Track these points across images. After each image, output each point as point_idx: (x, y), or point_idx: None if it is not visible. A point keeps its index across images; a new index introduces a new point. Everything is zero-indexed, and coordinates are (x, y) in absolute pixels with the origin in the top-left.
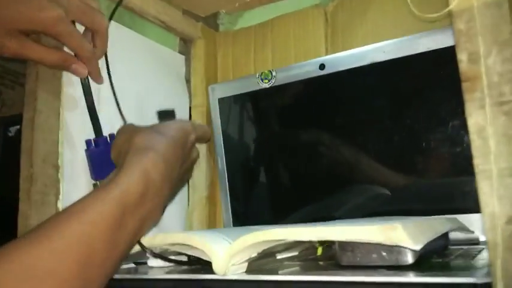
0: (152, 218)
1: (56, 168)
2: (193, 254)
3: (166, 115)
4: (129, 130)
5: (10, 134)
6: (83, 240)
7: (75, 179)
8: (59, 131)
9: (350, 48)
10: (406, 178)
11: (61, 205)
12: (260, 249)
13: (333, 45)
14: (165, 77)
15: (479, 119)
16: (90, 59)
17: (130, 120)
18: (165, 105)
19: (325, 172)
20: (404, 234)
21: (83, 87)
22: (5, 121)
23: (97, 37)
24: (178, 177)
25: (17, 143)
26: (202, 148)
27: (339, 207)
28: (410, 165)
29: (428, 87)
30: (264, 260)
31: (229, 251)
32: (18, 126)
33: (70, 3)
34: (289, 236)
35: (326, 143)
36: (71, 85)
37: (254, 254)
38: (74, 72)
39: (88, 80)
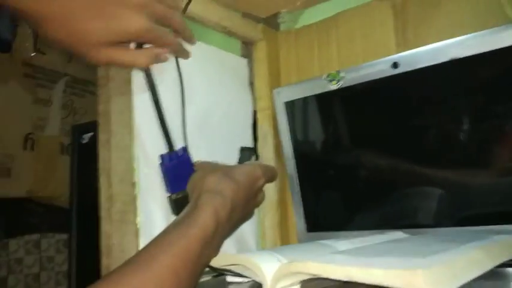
0: (216, 251)
1: (133, 185)
2: (249, 275)
3: (247, 150)
4: (205, 169)
5: (84, 141)
6: (173, 271)
7: (151, 194)
8: (133, 148)
9: (424, 43)
10: (491, 182)
11: (139, 221)
12: (306, 277)
13: (404, 41)
14: (229, 82)
15: None
16: (180, 51)
17: (195, 126)
18: (230, 111)
19: (397, 176)
20: (426, 281)
21: (153, 103)
22: (78, 129)
23: (180, 34)
24: (240, 217)
25: (90, 150)
26: (269, 152)
27: (413, 212)
28: (498, 169)
29: None
30: (318, 281)
31: (276, 274)
32: (91, 134)
33: (153, 10)
34: (320, 272)
35: (399, 146)
36: (142, 101)
37: (304, 278)
38: (165, 60)
39: (158, 96)
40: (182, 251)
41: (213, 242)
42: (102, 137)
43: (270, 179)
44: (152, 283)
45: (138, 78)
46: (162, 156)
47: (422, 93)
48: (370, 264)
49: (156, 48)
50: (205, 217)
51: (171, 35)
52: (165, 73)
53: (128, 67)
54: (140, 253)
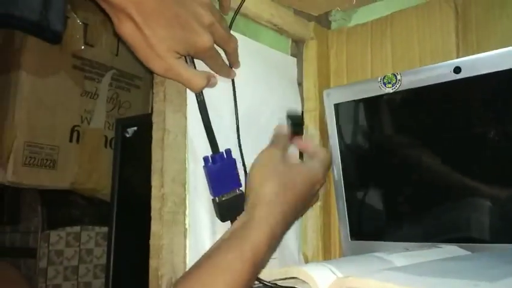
0: (264, 266)
1: (184, 186)
2: None
3: (296, 120)
4: (265, 169)
5: (127, 135)
6: None
7: (199, 195)
8: (186, 149)
9: (486, 47)
10: None
11: (188, 222)
12: None
13: (465, 44)
14: (277, 81)
15: None
16: (228, 76)
17: (244, 125)
18: (278, 111)
19: (450, 185)
20: None
21: (198, 104)
22: (123, 123)
23: (230, 56)
24: (292, 222)
25: (134, 144)
26: None
27: (466, 225)
28: None
29: None
30: None
31: (331, 287)
32: (135, 128)
33: (216, 30)
34: None
35: (455, 154)
36: (194, 103)
37: None
38: (214, 85)
39: (203, 97)
40: (237, 276)
41: (265, 260)
42: (156, 136)
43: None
44: None
45: None
46: (205, 159)
47: (484, 101)
48: (434, 286)
49: (211, 74)
50: (260, 238)
51: (226, 66)
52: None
53: (183, 83)
54: (193, 276)
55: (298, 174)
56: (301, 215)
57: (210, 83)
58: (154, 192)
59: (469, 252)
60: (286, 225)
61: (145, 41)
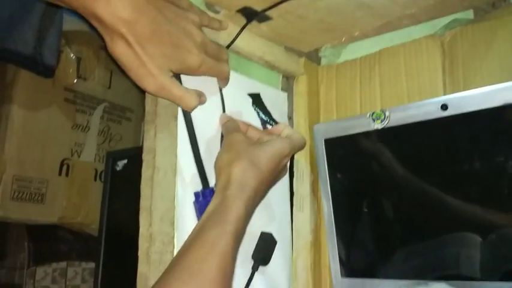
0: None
1: (173, 225)
2: None
3: (266, 239)
4: (232, 149)
5: (118, 168)
6: (222, 271)
7: (187, 232)
8: (175, 186)
9: (473, 85)
10: None
11: None
12: None
13: (451, 81)
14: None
15: None
16: (226, 75)
17: None
18: None
19: (438, 221)
20: None
21: (186, 124)
22: (113, 156)
23: (220, 82)
24: (263, 196)
25: (124, 177)
26: (305, 189)
27: (455, 261)
28: None
29: None
30: None
31: None
32: (125, 161)
33: (207, 47)
34: None
35: (442, 189)
36: (185, 138)
37: None
38: (204, 103)
39: (194, 133)
40: (225, 249)
41: (243, 233)
42: (145, 174)
43: (298, 150)
44: (206, 286)
45: (181, 116)
46: (196, 194)
47: (471, 138)
48: None
49: (202, 93)
50: (238, 213)
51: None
52: (207, 105)
53: (175, 102)
54: (186, 256)
55: (262, 151)
56: (271, 187)
57: (200, 100)
58: (142, 231)
59: None
60: (258, 199)
61: (138, 59)
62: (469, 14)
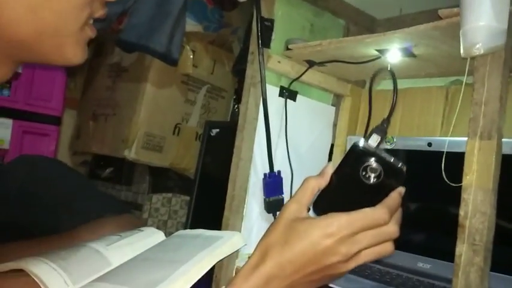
0: None
1: (245, 191)
2: None
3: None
4: (271, 247)
5: (212, 134)
6: None
7: (254, 196)
8: (250, 169)
9: (460, 129)
10: None
11: (244, 212)
12: None
13: (447, 124)
14: (318, 123)
15: None
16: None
17: (291, 152)
18: (315, 144)
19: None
20: None
21: (266, 140)
22: (210, 124)
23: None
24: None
25: (215, 141)
26: None
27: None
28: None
29: None
30: None
31: None
32: (218, 129)
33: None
34: None
35: (421, 202)
36: (260, 133)
37: None
38: None
39: (270, 133)
40: None
41: None
42: (233, 162)
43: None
44: None
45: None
46: (265, 174)
47: (444, 173)
48: None
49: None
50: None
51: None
52: (275, 115)
53: None
54: None
55: (303, 247)
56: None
57: None
58: (229, 191)
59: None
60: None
61: None
62: (469, 79)
